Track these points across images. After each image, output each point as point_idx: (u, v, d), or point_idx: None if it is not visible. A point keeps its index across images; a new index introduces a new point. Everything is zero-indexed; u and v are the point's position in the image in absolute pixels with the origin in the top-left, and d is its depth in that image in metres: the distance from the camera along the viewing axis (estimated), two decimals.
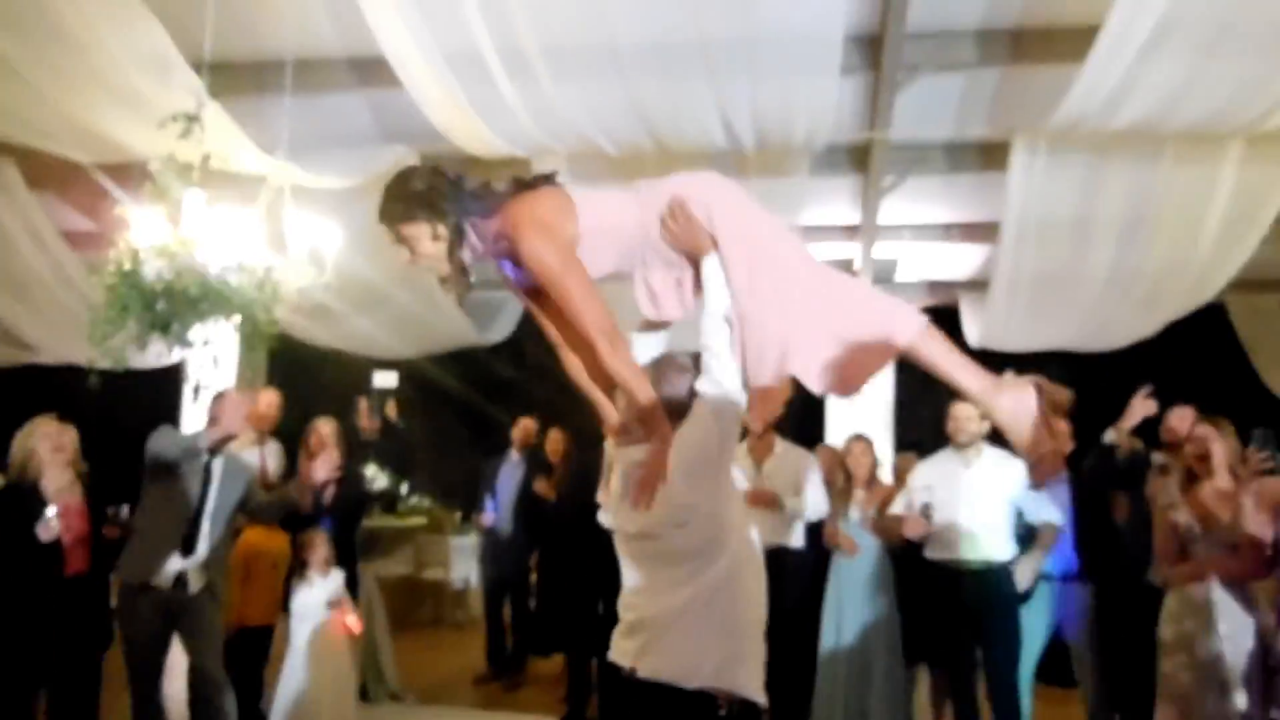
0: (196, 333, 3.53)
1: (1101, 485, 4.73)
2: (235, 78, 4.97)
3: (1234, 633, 3.58)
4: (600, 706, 1.97)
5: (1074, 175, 5.21)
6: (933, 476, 4.61)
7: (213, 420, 4.02)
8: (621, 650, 2.17)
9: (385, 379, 7.83)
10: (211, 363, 3.77)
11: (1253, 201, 5.14)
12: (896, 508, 4.69)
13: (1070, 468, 4.86)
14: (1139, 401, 4.49)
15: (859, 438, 5.14)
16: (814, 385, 2.19)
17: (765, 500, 4.86)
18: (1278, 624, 3.39)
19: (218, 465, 4.07)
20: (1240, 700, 3.49)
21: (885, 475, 5.94)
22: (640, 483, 2.10)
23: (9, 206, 5.95)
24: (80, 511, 3.84)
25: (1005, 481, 4.44)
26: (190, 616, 4.00)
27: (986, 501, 4.44)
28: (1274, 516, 3.41)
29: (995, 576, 4.43)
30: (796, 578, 4.96)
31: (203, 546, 3.98)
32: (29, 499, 3.61)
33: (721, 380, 2.12)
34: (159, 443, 3.93)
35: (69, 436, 3.83)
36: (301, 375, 7.95)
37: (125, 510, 3.72)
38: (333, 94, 5.37)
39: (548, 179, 2.26)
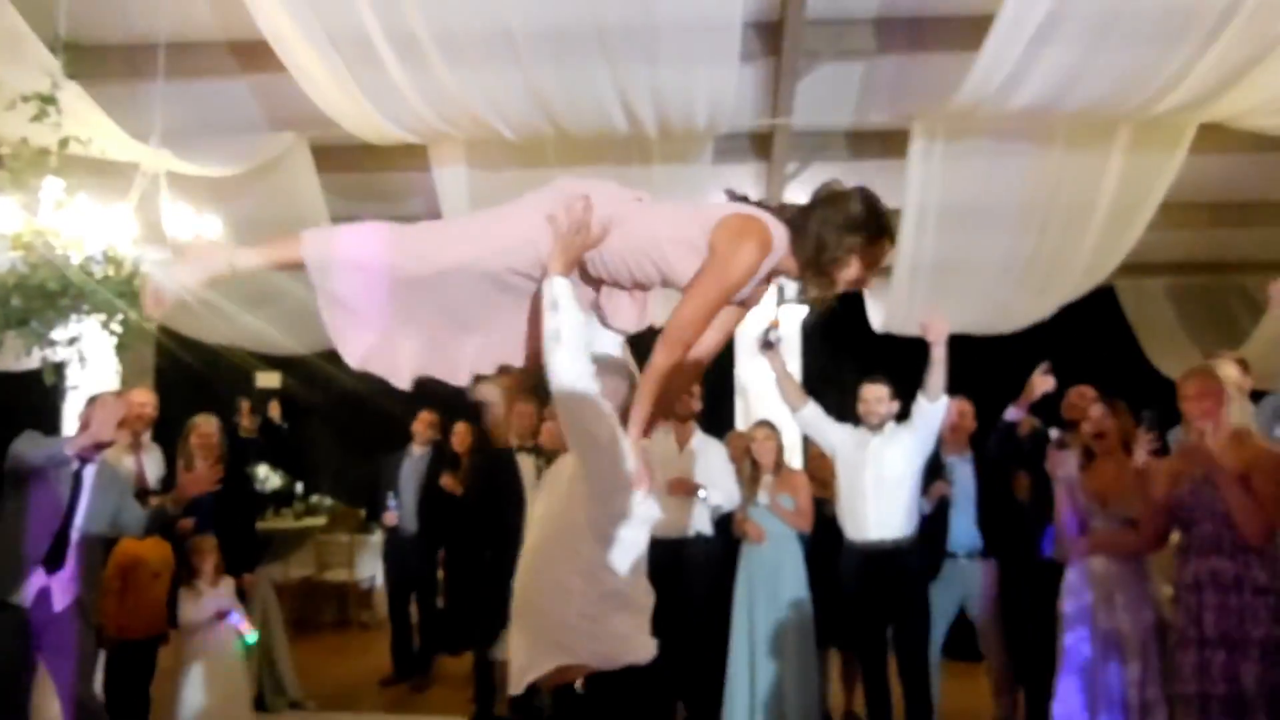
0: (61, 331, 3.27)
1: (1003, 463, 4.82)
2: (106, 62, 4.69)
3: (1131, 604, 3.68)
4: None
5: (971, 162, 5.28)
6: (846, 442, 4.62)
7: (84, 425, 3.74)
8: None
9: (268, 379, 7.58)
10: (79, 362, 3.47)
11: (1140, 187, 5.30)
12: None
13: (973, 447, 4.96)
14: (1038, 378, 4.60)
15: (763, 423, 5.12)
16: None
17: (687, 489, 4.84)
18: (1173, 596, 3.49)
19: (89, 473, 3.81)
20: (1137, 671, 3.59)
21: (796, 461, 5.98)
22: None
23: None
24: None
25: (907, 456, 4.48)
26: (54, 636, 3.72)
27: (892, 479, 4.47)
28: (1164, 492, 3.50)
29: (903, 555, 4.46)
30: (706, 565, 4.94)
31: (70, 560, 3.71)
32: None
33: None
34: (21, 449, 3.64)
35: None
36: (184, 375, 7.59)
37: None
38: (214, 79, 5.10)
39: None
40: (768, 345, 4.57)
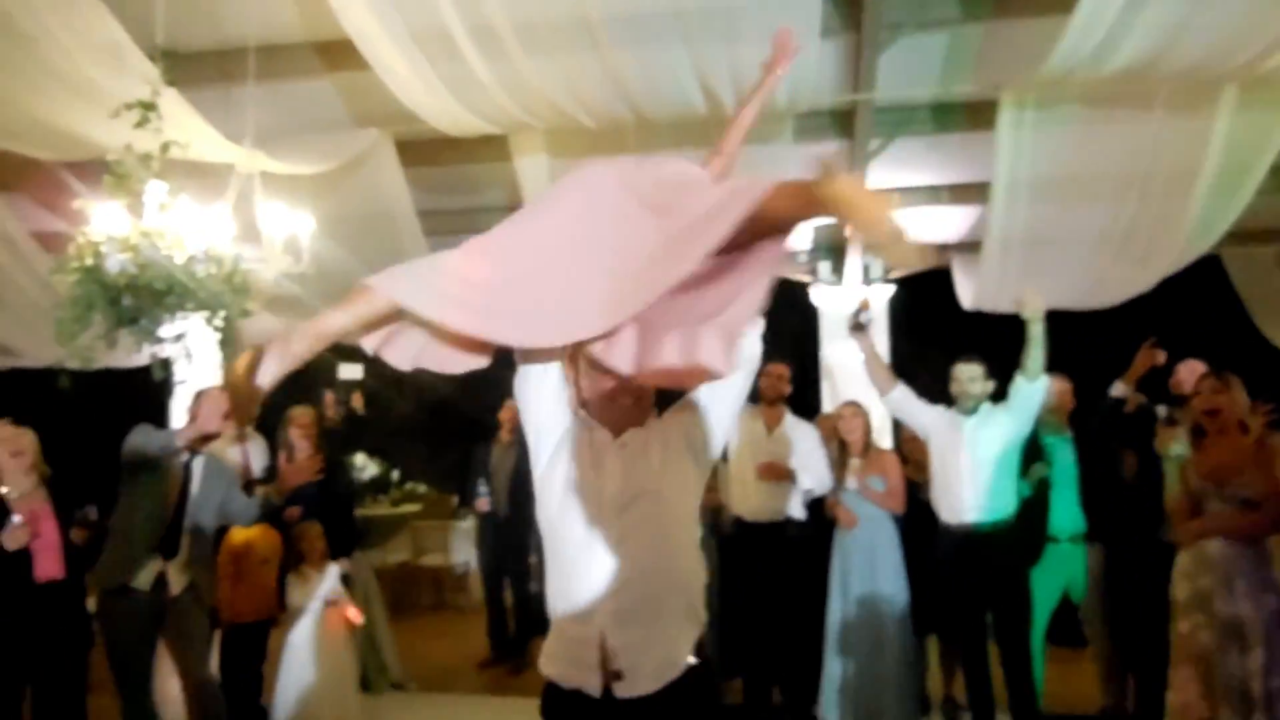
0: (167, 328, 3.41)
1: (1108, 442, 4.63)
2: (199, 68, 4.85)
3: (1252, 590, 3.50)
4: None
5: (1064, 130, 5.08)
6: (938, 423, 4.51)
7: (192, 418, 3.90)
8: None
9: (350, 370, 7.77)
10: (185, 359, 3.62)
11: (1248, 150, 5.01)
12: None
13: (1075, 426, 4.78)
14: (1145, 353, 4.41)
15: (849, 404, 5.00)
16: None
17: (778, 473, 4.79)
18: None
19: (198, 464, 3.97)
20: (1259, 659, 3.42)
21: (886, 442, 5.87)
22: None
23: None
24: (48, 516, 3.69)
25: (1003, 437, 4.33)
26: (173, 619, 3.90)
27: (988, 461, 4.32)
28: None
29: (1001, 539, 4.31)
30: (800, 550, 4.90)
31: (183, 547, 3.87)
32: None
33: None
34: (136, 440, 3.81)
35: (27, 440, 3.65)
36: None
37: (93, 511, 3.57)
38: (301, 80, 5.24)
39: None
40: (858, 327, 4.49)
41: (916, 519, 4.71)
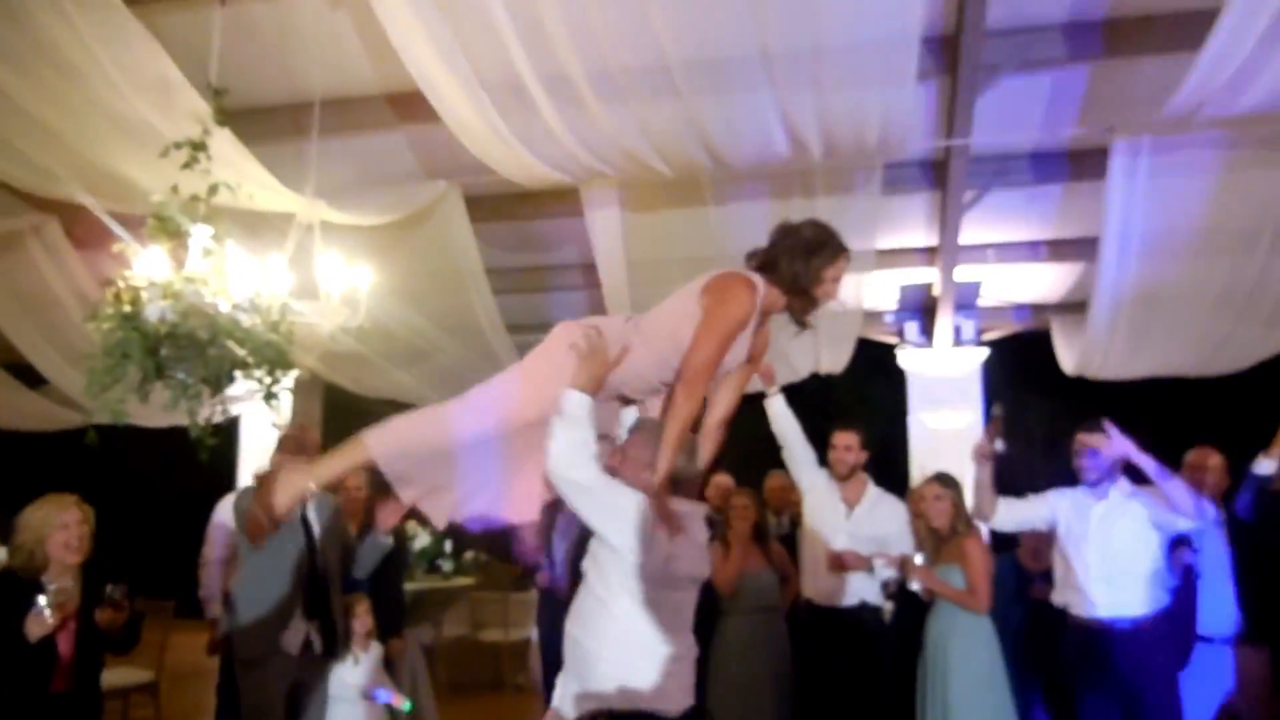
0: (224, 383, 3.18)
1: (1264, 526, 4.01)
2: (268, 122, 4.77)
3: None
4: None
5: (1181, 178, 4.68)
6: (1060, 511, 3.96)
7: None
8: None
9: None
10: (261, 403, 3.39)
11: None
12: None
13: (1225, 507, 4.21)
14: None
15: (934, 480, 4.30)
16: None
17: (853, 564, 4.30)
18: None
19: (311, 512, 3.86)
20: None
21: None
22: None
23: (55, 268, 5.82)
24: (70, 628, 3.20)
25: (1140, 529, 3.78)
26: (311, 681, 3.83)
27: (1125, 544, 3.77)
28: None
29: (1142, 638, 3.71)
30: (883, 636, 4.39)
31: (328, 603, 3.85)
32: (28, 595, 3.03)
33: None
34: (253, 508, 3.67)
35: (85, 531, 3.22)
36: (348, 426, 7.67)
37: (122, 590, 3.22)
38: (370, 133, 5.15)
39: None
40: (989, 456, 3.95)
41: (1037, 613, 4.14)
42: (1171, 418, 3.85)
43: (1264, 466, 3.89)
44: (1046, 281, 6.44)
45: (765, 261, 2.45)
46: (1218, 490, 4.26)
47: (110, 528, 3.77)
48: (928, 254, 6.12)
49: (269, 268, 3.36)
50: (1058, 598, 3.92)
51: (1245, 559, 4.04)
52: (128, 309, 2.97)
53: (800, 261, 2.41)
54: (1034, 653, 4.17)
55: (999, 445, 3.92)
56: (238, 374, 3.34)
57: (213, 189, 3.13)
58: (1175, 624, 3.81)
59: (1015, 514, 4.04)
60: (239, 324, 3.06)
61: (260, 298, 3.20)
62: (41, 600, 2.96)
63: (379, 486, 4.70)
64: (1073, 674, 3.85)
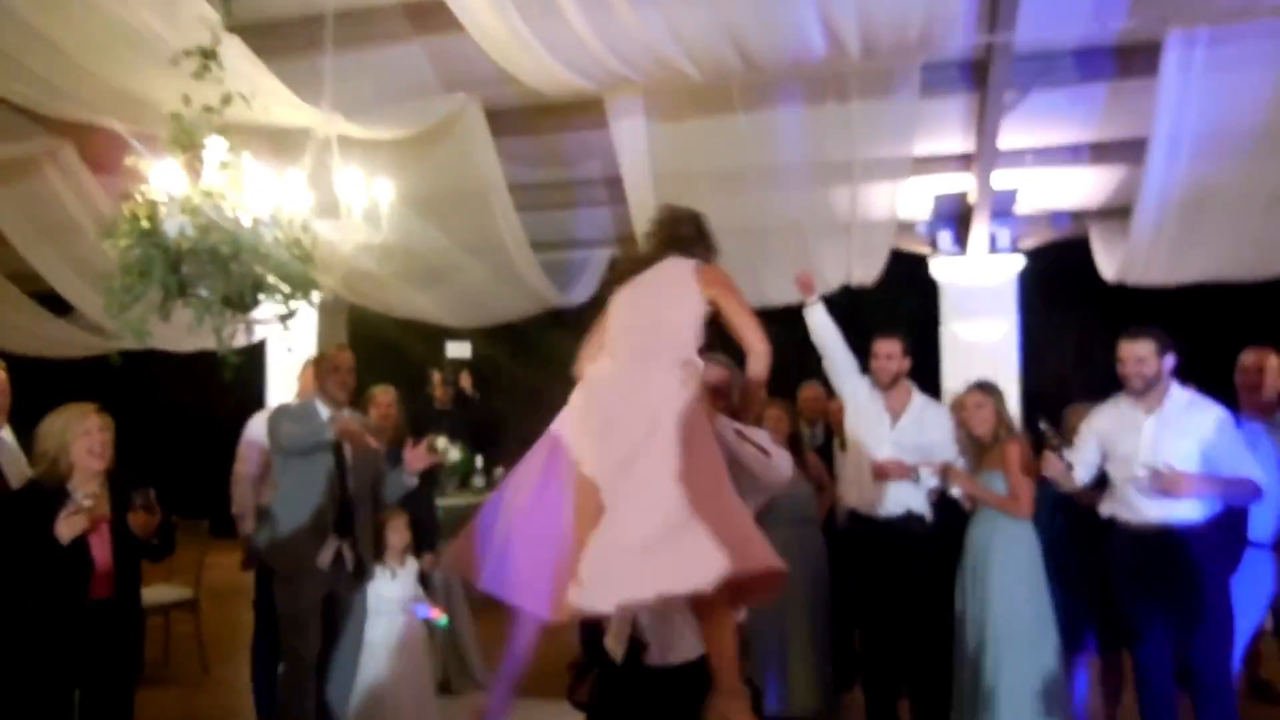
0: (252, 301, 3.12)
1: None
2: (280, 37, 4.59)
3: None
4: None
5: (1240, 73, 4.44)
6: (1108, 424, 3.82)
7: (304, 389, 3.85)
8: None
9: (459, 349, 7.38)
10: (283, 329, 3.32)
11: None
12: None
13: (1267, 413, 4.09)
14: None
15: (975, 389, 4.25)
16: None
17: (898, 472, 4.23)
18: None
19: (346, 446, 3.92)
20: None
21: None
22: None
23: (73, 193, 5.73)
24: (104, 534, 3.18)
25: (1196, 429, 3.61)
26: (344, 595, 3.93)
27: (1173, 453, 3.57)
28: None
29: (1192, 541, 3.56)
30: (924, 547, 4.34)
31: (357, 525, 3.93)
32: (55, 502, 3.02)
33: None
34: (286, 435, 3.80)
35: (107, 437, 3.17)
36: (377, 347, 7.61)
37: (153, 494, 3.19)
38: (387, 45, 4.96)
39: None
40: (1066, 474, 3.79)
41: (1080, 516, 4.06)
42: (1213, 325, 3.67)
43: None
44: (1087, 186, 6.19)
45: (684, 245, 2.79)
46: (1275, 391, 4.12)
47: (142, 451, 3.77)
48: (963, 160, 5.89)
49: (287, 183, 3.24)
50: (1105, 509, 3.81)
51: None
52: (145, 225, 2.87)
53: (706, 234, 2.85)
54: (1078, 559, 4.09)
55: (1065, 453, 3.79)
56: (261, 296, 3.26)
57: (226, 99, 3.00)
58: (1227, 528, 3.70)
59: (1088, 469, 3.88)
60: (262, 239, 2.97)
61: (281, 212, 3.10)
62: (77, 497, 2.95)
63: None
64: (1121, 580, 3.77)
